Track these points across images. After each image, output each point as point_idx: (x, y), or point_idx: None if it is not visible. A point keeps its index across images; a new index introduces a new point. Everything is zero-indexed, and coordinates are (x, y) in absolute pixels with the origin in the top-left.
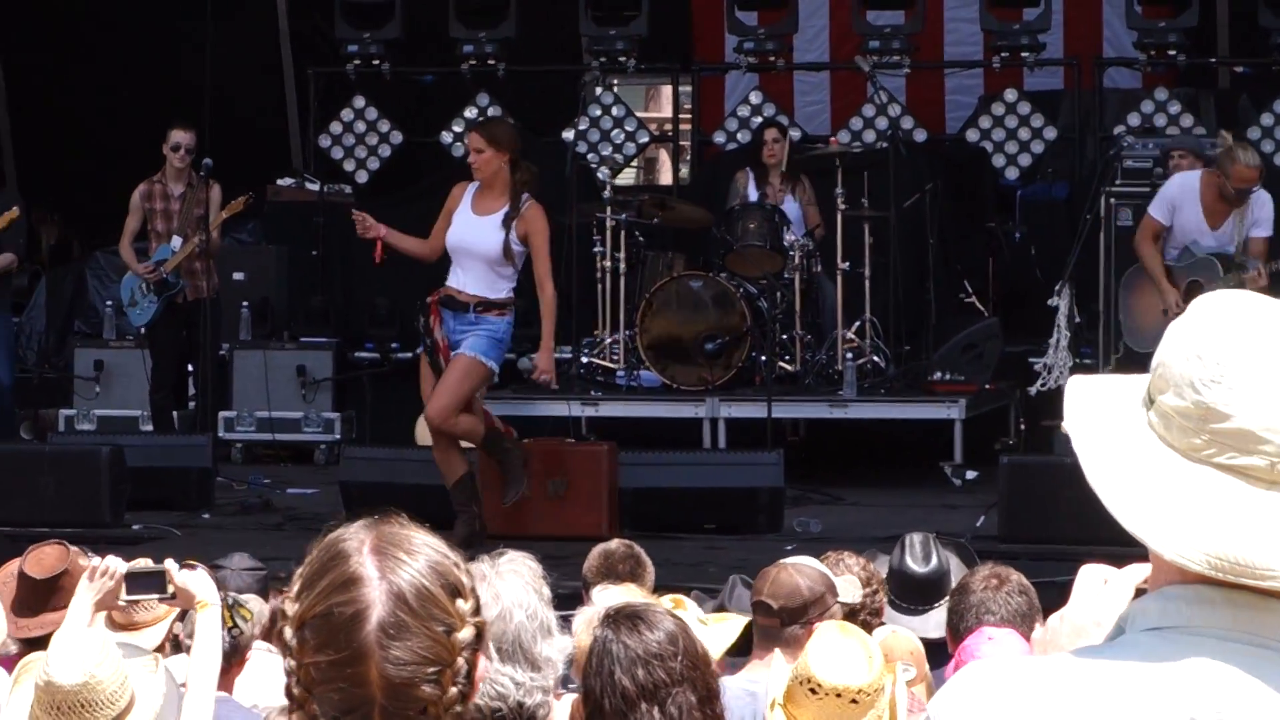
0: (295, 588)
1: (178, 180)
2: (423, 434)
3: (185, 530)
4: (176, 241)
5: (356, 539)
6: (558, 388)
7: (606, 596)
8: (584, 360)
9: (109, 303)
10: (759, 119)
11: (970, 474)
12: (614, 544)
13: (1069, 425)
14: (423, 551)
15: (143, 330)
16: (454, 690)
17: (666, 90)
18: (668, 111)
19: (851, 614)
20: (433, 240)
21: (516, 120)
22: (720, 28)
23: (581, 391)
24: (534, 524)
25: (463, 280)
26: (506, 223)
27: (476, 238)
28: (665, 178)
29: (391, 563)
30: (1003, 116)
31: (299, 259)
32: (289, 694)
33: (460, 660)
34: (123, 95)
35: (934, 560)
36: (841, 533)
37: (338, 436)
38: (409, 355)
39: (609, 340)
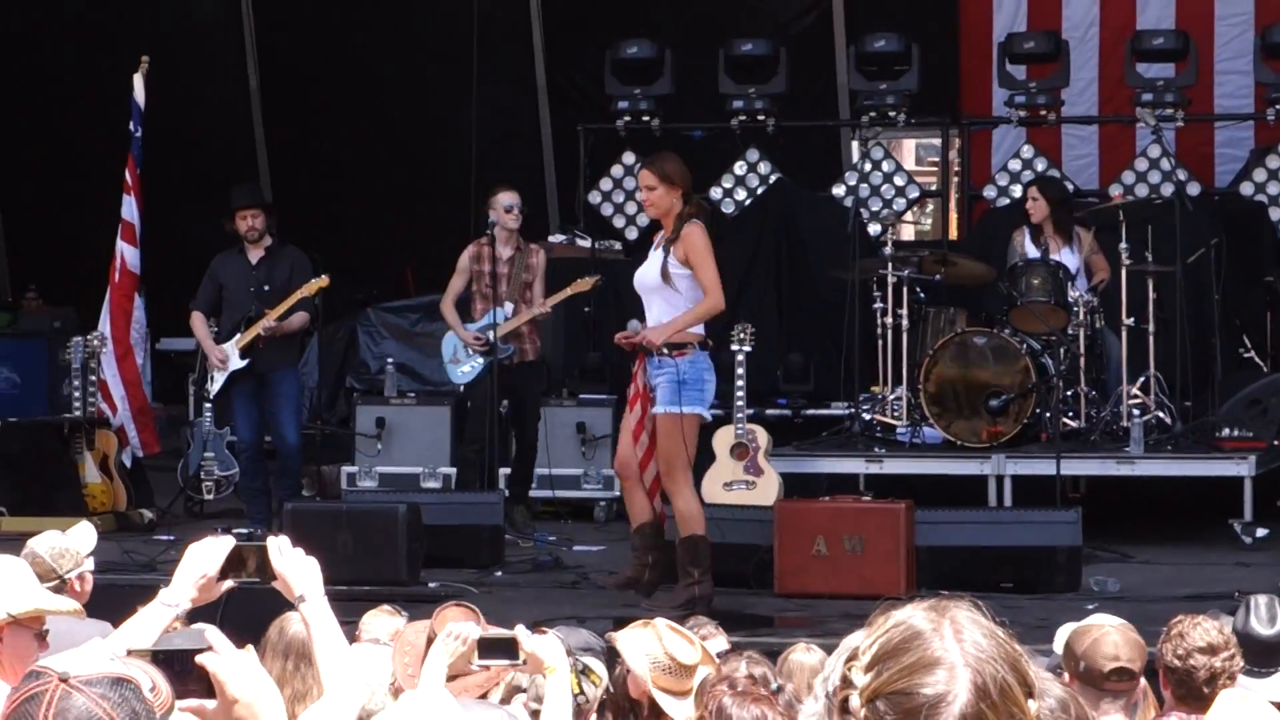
0: (865, 659)
1: (507, 244)
2: (708, 491)
3: (481, 588)
4: (509, 308)
5: (931, 619)
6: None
7: None
8: (865, 416)
9: (390, 360)
10: (1030, 173)
11: (1260, 531)
12: None
13: None
14: (1003, 644)
15: (462, 388)
16: None
17: (908, 144)
18: (910, 164)
19: (1212, 677)
20: None
21: (785, 175)
22: (986, 81)
23: (865, 448)
24: (831, 582)
25: (649, 321)
26: (666, 247)
27: (645, 271)
28: (906, 232)
29: (974, 650)
30: (1277, 170)
31: (573, 315)
32: None
33: None
34: (377, 157)
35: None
36: (1138, 591)
37: (617, 494)
38: None
39: (891, 396)
